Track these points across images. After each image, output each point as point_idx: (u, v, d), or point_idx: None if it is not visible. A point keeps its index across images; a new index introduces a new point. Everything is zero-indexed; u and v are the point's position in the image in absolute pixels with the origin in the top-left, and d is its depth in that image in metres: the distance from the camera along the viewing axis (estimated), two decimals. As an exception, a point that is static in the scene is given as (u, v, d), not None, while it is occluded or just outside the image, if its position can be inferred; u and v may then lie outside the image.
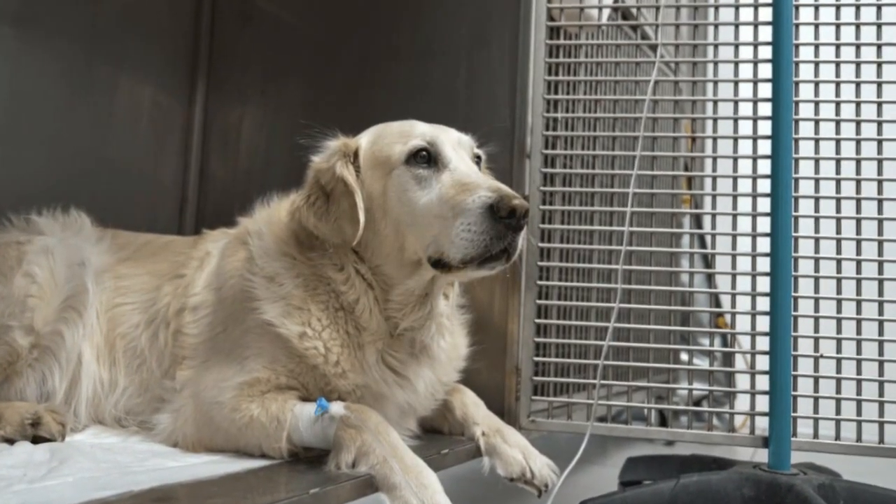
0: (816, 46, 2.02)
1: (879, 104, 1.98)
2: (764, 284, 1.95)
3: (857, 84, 1.99)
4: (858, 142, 1.99)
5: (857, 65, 2.00)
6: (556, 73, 2.17)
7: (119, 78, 2.64)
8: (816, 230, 1.98)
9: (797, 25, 1.98)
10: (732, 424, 2.03)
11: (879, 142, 1.97)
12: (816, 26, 2.03)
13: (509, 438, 1.77)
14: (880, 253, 1.94)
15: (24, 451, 1.52)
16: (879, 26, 2.00)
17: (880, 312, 1.92)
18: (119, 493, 1.27)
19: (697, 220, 3.32)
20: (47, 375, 1.79)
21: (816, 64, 2.02)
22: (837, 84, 2.01)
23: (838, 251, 1.97)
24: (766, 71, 1.99)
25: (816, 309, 1.95)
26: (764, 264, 1.95)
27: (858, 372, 1.92)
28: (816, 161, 1.99)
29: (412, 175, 1.61)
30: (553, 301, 2.13)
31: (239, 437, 1.59)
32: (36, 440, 1.62)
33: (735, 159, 2.06)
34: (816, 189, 1.98)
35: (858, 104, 2.00)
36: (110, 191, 2.59)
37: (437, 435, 1.87)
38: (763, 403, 1.92)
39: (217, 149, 2.84)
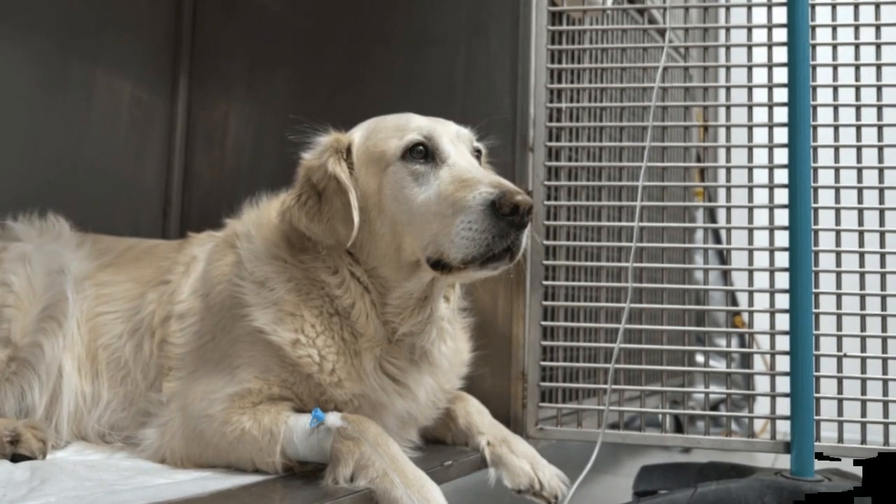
0: (834, 28, 2.02)
1: (902, 88, 1.99)
2: (783, 280, 1.95)
3: (878, 67, 2.00)
4: (880, 128, 1.99)
5: (878, 46, 2.01)
6: (560, 60, 2.17)
7: (96, 73, 2.64)
8: (838, 222, 1.98)
9: (813, 6, 1.98)
10: (752, 429, 2.04)
11: (903, 127, 1.98)
12: (833, 6, 2.04)
13: (516, 448, 1.78)
14: (905, 245, 1.95)
15: (3, 470, 1.52)
16: (900, 5, 2.00)
17: (906, 308, 1.93)
18: (104, 512, 1.27)
19: (711, 214, 3.32)
20: (26, 390, 1.79)
21: (834, 46, 2.02)
22: (857, 67, 2.01)
23: (861, 244, 1.97)
24: (781, 55, 2.00)
25: (839, 305, 1.96)
26: (783, 259, 1.95)
27: (884, 372, 1.93)
28: (836, 149, 2.00)
29: (409, 171, 1.62)
30: (560, 302, 2.14)
31: (230, 451, 1.60)
32: (15, 458, 1.62)
33: (750, 149, 2.06)
34: (837, 179, 1.98)
35: (879, 88, 2.00)
36: (89, 193, 2.59)
37: (440, 445, 1.88)
38: (784, 406, 1.93)
39: (202, 147, 2.85)
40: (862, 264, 1.96)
